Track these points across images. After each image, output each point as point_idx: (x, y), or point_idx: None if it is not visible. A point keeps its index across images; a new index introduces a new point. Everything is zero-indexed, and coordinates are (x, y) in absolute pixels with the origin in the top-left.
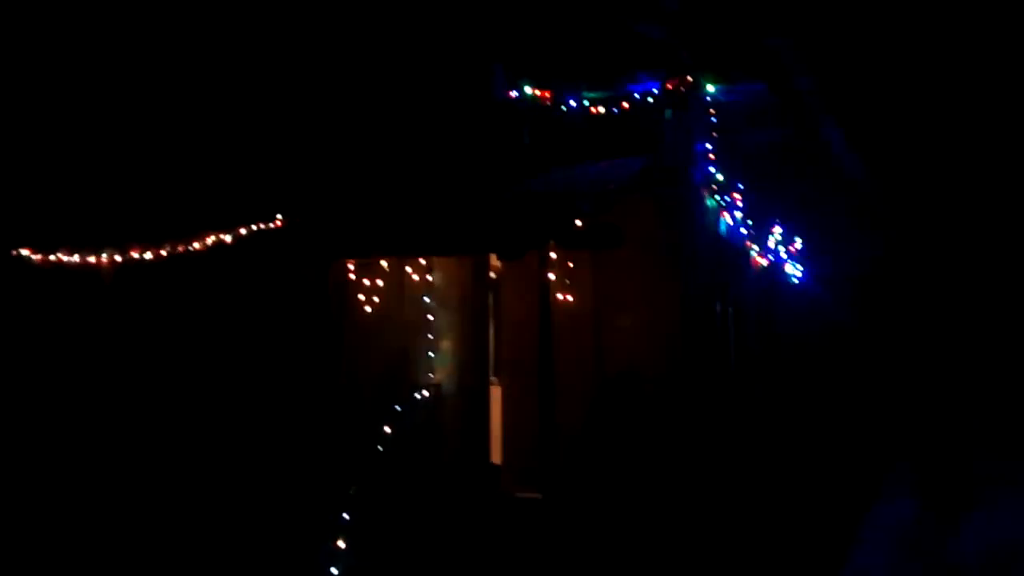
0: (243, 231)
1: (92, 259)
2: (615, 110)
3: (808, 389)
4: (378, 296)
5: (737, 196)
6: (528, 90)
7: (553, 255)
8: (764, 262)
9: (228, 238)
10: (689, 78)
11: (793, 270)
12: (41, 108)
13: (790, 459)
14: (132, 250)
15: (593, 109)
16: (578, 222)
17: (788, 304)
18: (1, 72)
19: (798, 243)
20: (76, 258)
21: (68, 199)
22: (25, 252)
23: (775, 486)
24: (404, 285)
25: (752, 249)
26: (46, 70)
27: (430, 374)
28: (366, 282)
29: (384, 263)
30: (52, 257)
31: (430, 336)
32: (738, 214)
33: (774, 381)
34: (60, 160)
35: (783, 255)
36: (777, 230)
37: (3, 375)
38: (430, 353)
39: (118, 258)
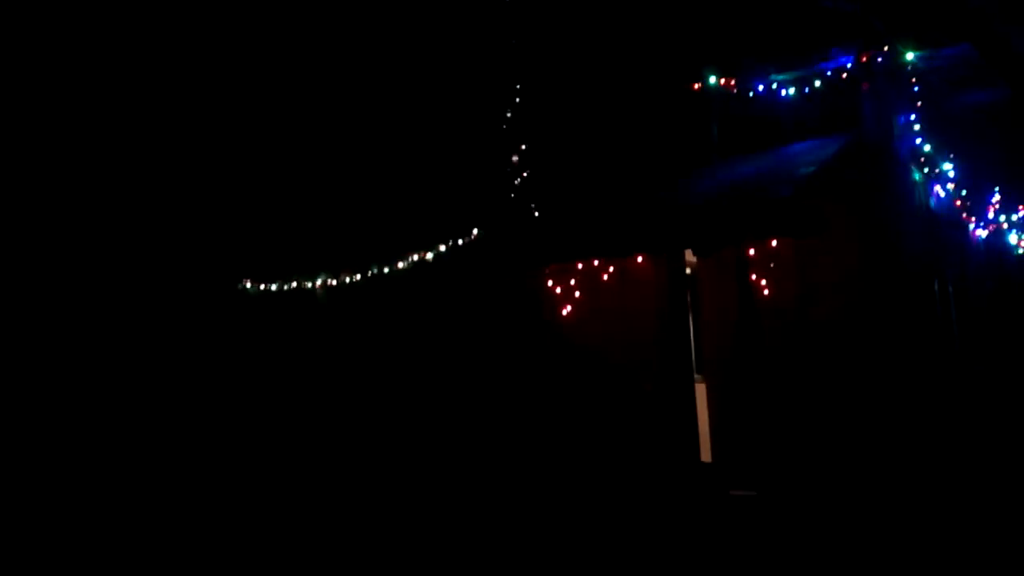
0: (442, 247)
1: (308, 284)
2: (807, 89)
3: None
4: (578, 299)
5: (948, 166)
6: (713, 80)
7: (751, 248)
8: (984, 233)
9: (430, 255)
10: (886, 47)
11: (1017, 239)
12: (252, 156)
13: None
14: (344, 274)
15: (784, 91)
16: (774, 211)
17: (1014, 277)
18: (210, 124)
19: (1021, 211)
20: (294, 284)
21: (280, 231)
22: (249, 284)
23: (1006, 482)
24: (603, 287)
25: (969, 221)
26: (260, 120)
27: (637, 375)
28: (562, 288)
29: (580, 266)
30: (273, 286)
31: (632, 337)
32: (950, 186)
33: (1002, 364)
34: (267, 196)
35: (1004, 224)
36: (996, 198)
37: (246, 388)
38: (633, 354)
39: (332, 282)
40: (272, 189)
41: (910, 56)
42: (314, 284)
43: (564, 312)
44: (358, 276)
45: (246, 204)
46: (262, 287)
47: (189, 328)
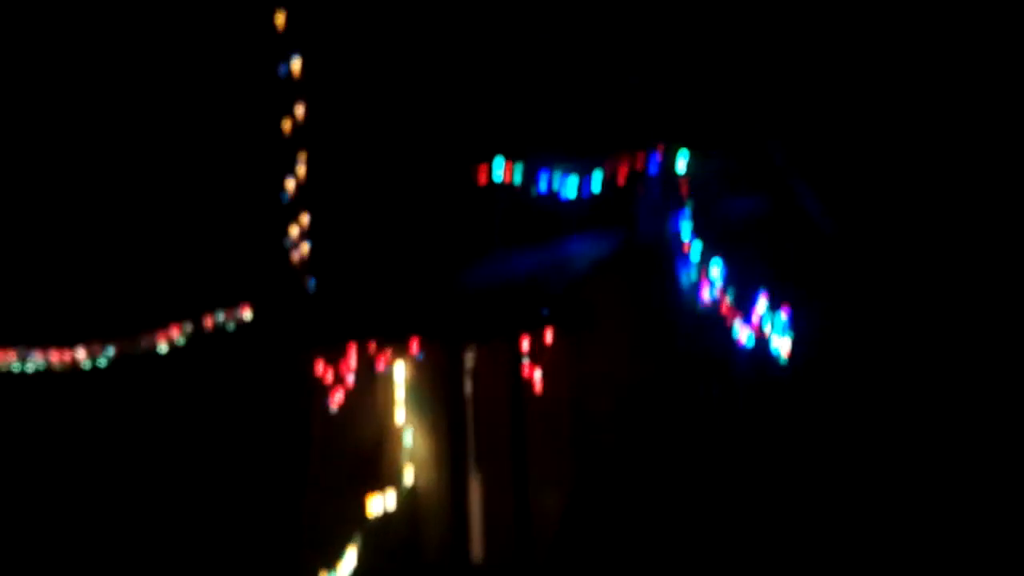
0: (208, 322)
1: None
2: (587, 186)
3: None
4: (349, 387)
5: (716, 270)
6: (497, 170)
7: (525, 341)
8: (750, 337)
9: (188, 329)
10: (660, 152)
11: (780, 344)
12: None
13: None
14: (92, 345)
15: (564, 187)
16: (546, 306)
17: (778, 383)
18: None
19: (783, 315)
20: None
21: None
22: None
23: None
24: (375, 375)
25: (736, 323)
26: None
27: (405, 470)
28: (332, 374)
29: (352, 353)
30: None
31: (404, 428)
32: (717, 290)
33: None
34: None
35: (768, 329)
36: (763, 301)
37: None
38: (404, 447)
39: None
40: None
41: (683, 162)
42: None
43: (333, 400)
44: (105, 350)
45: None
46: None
47: None
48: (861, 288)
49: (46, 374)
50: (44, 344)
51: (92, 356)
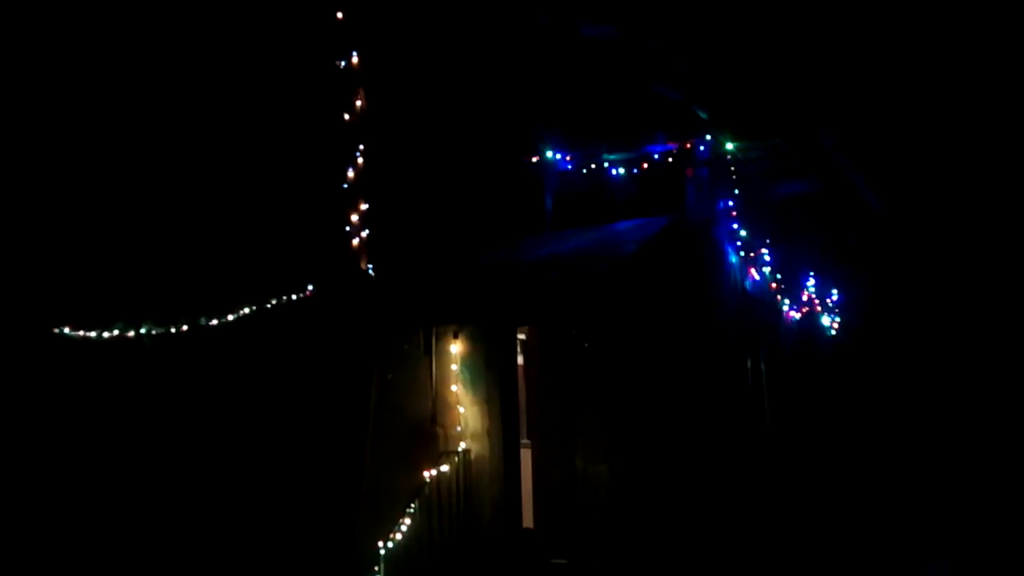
0: (274, 301)
1: (131, 333)
2: (635, 170)
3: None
4: (407, 363)
5: (764, 251)
6: (549, 154)
7: (578, 320)
8: (798, 315)
9: (265, 307)
10: (708, 136)
11: (829, 321)
12: None
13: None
14: (170, 324)
15: (615, 171)
16: (593, 287)
17: (825, 357)
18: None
19: (834, 294)
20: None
21: (104, 276)
22: (66, 329)
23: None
24: (431, 351)
25: (783, 304)
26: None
27: (460, 441)
28: (391, 351)
29: (410, 331)
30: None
31: (460, 400)
32: (766, 269)
33: (809, 439)
34: None
35: (818, 308)
36: (811, 282)
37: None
38: (460, 417)
39: (156, 332)
40: (97, 230)
41: (730, 146)
42: (138, 333)
43: (390, 377)
44: (185, 327)
45: (67, 245)
46: (81, 333)
47: None
48: (910, 267)
49: (132, 347)
50: (126, 320)
51: (173, 331)
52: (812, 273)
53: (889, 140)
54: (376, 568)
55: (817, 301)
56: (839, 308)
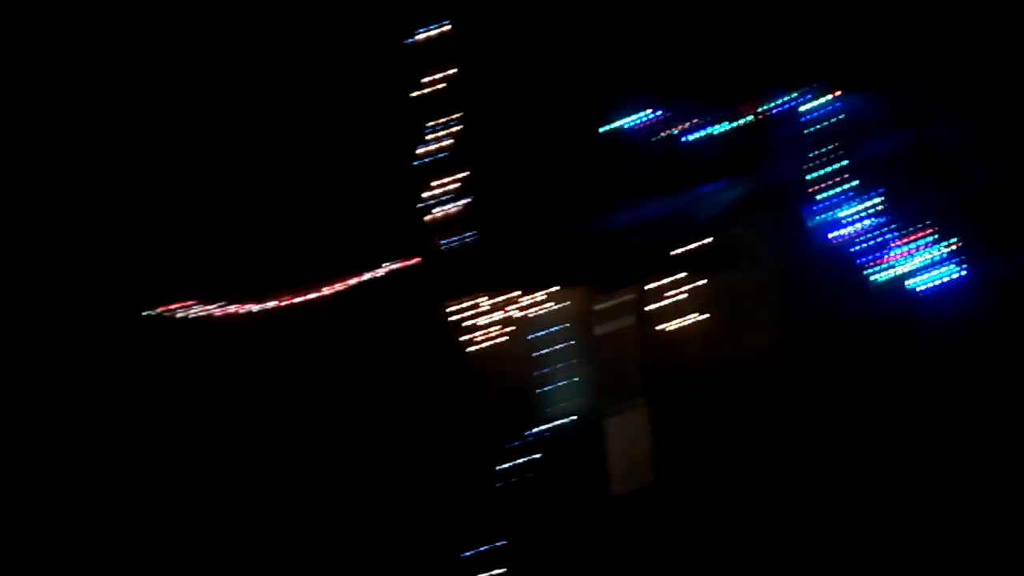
0: (361, 277)
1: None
2: (718, 132)
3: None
4: (498, 333)
5: (859, 207)
6: (630, 120)
7: (655, 284)
8: (898, 271)
9: (356, 281)
10: (795, 91)
11: (921, 285)
12: None
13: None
14: (260, 301)
15: (697, 134)
16: (681, 249)
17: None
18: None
19: (939, 249)
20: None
21: (191, 258)
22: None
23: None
24: (521, 321)
25: (874, 265)
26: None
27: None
28: (484, 321)
29: (499, 301)
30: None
31: (552, 372)
32: (858, 226)
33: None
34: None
35: (918, 262)
36: (903, 243)
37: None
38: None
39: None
40: (187, 214)
41: (819, 100)
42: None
43: (479, 343)
44: (273, 304)
45: (157, 227)
46: (176, 315)
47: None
48: (1016, 233)
49: (221, 325)
50: (220, 298)
51: (264, 307)
52: (904, 235)
53: (990, 91)
54: None
55: (909, 264)
56: (933, 272)
